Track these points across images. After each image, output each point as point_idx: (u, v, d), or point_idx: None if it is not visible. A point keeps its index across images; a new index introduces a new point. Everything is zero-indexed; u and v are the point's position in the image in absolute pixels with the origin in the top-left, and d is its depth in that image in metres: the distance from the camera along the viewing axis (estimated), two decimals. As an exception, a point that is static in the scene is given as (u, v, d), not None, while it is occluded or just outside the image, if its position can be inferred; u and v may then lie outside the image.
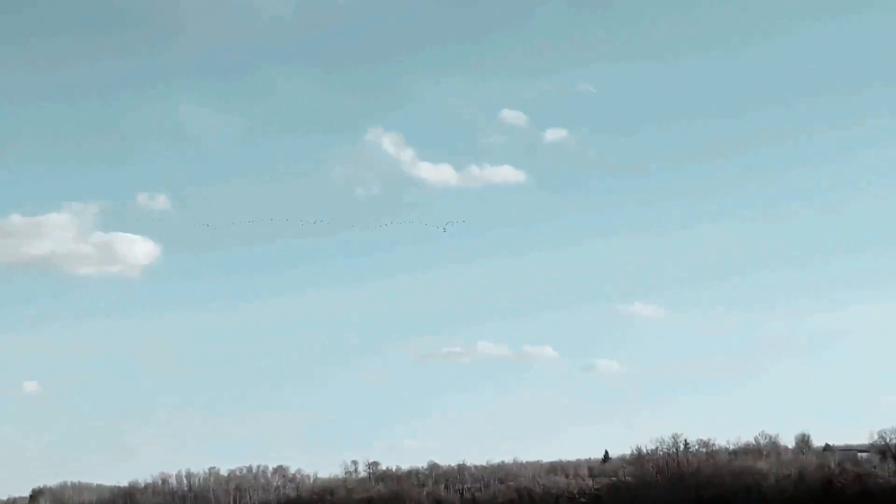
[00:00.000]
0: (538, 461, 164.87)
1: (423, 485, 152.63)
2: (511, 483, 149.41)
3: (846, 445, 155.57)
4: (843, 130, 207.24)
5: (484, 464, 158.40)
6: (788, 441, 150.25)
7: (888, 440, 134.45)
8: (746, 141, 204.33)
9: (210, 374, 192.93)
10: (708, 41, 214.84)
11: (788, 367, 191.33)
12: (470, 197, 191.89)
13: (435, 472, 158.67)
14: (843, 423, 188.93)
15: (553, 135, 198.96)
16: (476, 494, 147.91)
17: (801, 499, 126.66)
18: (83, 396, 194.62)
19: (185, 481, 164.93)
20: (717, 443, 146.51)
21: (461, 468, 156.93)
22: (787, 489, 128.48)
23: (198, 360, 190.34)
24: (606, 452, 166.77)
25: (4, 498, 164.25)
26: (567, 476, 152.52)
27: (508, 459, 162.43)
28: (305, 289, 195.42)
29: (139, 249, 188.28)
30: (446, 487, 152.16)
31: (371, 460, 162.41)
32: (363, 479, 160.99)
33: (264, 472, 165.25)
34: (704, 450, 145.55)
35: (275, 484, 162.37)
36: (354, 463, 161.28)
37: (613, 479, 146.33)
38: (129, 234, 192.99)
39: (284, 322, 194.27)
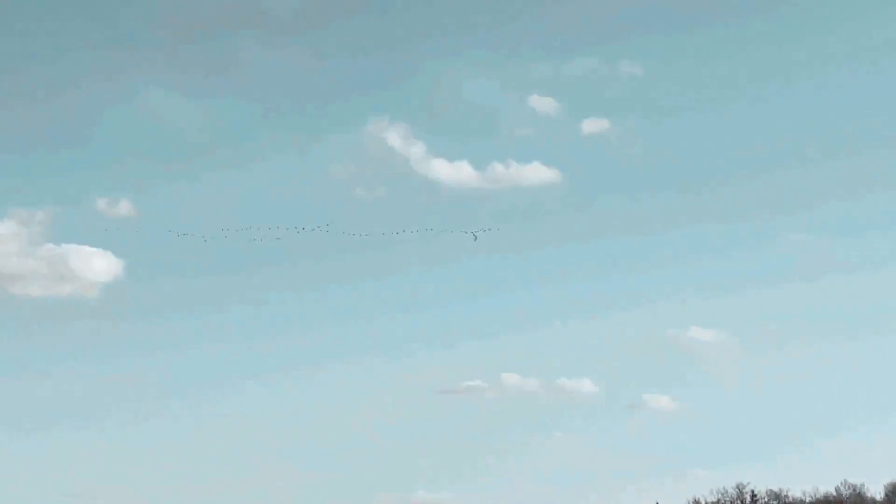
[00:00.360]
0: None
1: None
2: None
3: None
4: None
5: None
6: (877, 491, 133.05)
7: None
8: (839, 141, 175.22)
9: (177, 413, 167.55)
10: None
11: (876, 406, 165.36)
12: (492, 200, 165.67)
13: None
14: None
15: (592, 126, 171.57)
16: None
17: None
18: (49, 435, 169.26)
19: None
20: (790, 494, 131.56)
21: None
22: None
23: (165, 398, 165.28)
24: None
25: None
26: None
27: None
28: (296, 311, 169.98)
29: (98, 265, 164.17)
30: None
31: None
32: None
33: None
34: (776, 502, 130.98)
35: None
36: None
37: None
38: (85, 247, 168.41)
39: (271, 354, 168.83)
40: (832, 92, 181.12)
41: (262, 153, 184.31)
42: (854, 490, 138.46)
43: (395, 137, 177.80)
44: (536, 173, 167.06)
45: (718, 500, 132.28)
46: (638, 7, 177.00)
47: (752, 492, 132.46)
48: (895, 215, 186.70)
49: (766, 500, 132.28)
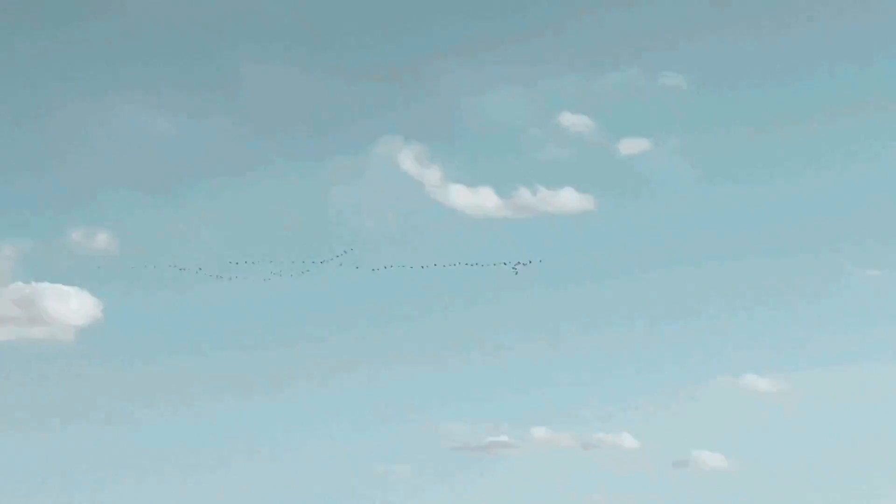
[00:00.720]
0: None
1: None
2: None
3: None
4: None
5: None
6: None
7: None
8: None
9: (169, 476, 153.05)
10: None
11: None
12: (519, 231, 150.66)
13: None
14: None
15: (630, 146, 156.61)
16: None
17: None
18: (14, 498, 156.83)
19: None
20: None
21: None
22: None
23: (150, 458, 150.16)
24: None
25: None
26: None
27: None
28: (299, 357, 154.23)
29: (74, 305, 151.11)
30: None
31: None
32: None
33: None
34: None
35: None
36: None
37: None
38: (59, 285, 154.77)
39: (270, 408, 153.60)
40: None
41: (258, 179, 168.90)
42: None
43: (407, 160, 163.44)
44: (568, 200, 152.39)
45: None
46: (680, 11, 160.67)
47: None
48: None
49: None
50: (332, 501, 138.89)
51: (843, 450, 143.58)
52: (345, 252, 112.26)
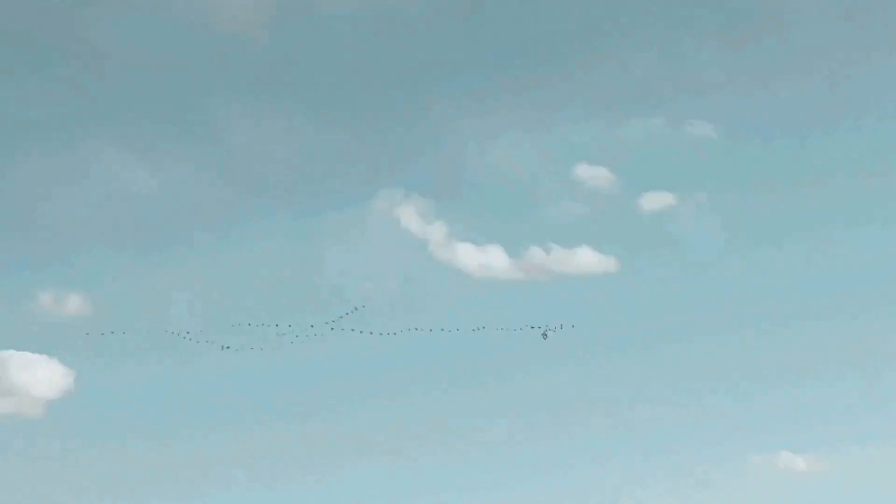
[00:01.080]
0: None
1: None
2: None
3: None
4: None
5: None
6: None
7: None
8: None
9: None
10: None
11: None
12: (531, 294, 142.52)
13: None
14: None
15: (653, 201, 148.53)
16: None
17: None
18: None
19: None
20: None
21: None
22: None
23: None
24: None
25: None
26: None
27: None
28: (296, 435, 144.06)
29: (42, 375, 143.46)
30: None
31: None
32: None
33: None
34: None
35: None
36: None
37: None
38: (26, 353, 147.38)
39: (265, 491, 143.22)
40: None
41: (245, 236, 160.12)
42: None
43: (409, 216, 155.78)
44: (586, 261, 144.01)
45: None
46: (710, 54, 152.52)
47: None
48: None
49: None
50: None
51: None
52: (355, 309, 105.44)
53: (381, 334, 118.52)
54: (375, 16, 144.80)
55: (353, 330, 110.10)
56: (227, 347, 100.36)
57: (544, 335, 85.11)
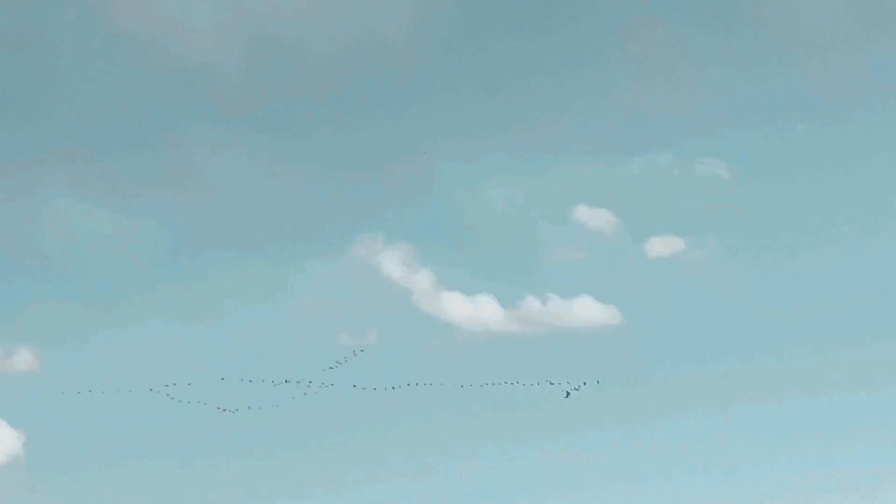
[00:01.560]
0: None
1: None
2: None
3: None
4: None
5: None
6: None
7: None
8: None
9: None
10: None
11: None
12: (526, 348, 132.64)
13: None
14: None
15: (660, 246, 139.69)
16: None
17: None
18: None
19: None
20: None
21: None
22: None
23: None
24: None
25: None
26: None
27: None
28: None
29: None
30: None
31: None
32: None
33: None
34: None
35: None
36: None
37: None
38: None
39: None
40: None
41: (214, 285, 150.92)
42: None
43: (391, 263, 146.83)
44: (586, 312, 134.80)
45: None
46: (722, 87, 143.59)
47: None
48: None
49: None
50: None
51: None
52: (353, 354, 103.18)
53: (384, 388, 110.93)
54: (356, 51, 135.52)
55: (354, 386, 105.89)
56: (225, 410, 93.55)
57: (567, 393, 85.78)
